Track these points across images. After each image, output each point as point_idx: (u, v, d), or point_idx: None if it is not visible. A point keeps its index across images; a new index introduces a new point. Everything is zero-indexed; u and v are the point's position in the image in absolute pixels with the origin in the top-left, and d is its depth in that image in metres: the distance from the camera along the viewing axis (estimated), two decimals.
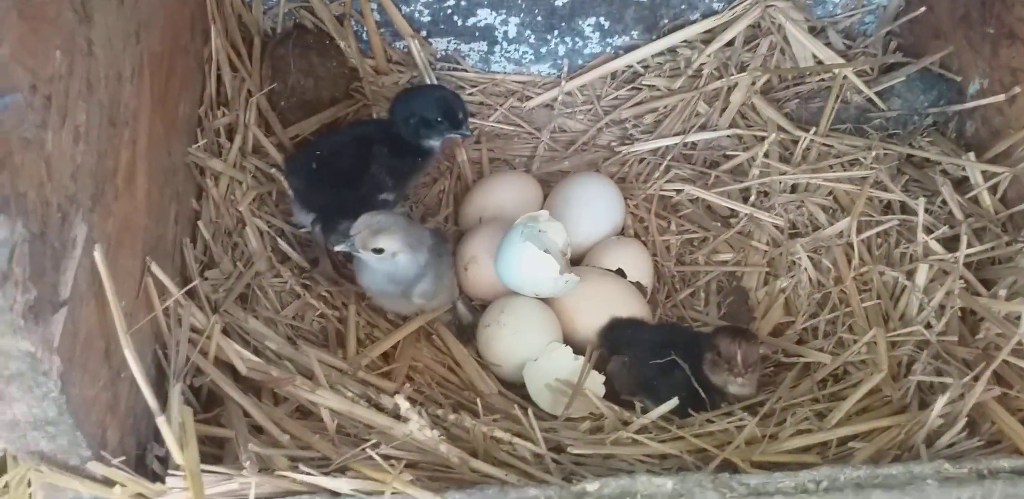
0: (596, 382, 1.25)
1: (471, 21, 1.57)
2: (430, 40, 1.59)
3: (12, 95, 0.61)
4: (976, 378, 1.15)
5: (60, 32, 0.70)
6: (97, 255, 0.78)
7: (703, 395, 1.21)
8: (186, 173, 1.21)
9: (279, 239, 1.30)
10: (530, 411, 1.12)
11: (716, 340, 1.21)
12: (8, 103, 0.60)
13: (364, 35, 1.56)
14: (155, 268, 0.97)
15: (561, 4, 1.56)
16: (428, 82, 1.55)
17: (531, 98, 1.64)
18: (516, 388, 1.29)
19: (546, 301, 1.35)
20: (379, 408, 1.10)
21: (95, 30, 0.79)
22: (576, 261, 1.42)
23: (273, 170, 1.35)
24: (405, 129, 1.36)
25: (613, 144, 1.61)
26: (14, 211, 0.62)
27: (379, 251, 1.20)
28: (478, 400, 1.17)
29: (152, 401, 0.83)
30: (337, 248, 1.22)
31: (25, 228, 0.64)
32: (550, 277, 1.28)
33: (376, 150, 1.33)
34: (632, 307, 1.35)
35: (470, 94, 1.62)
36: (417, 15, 1.55)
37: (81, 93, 0.76)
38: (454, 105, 1.37)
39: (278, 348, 1.14)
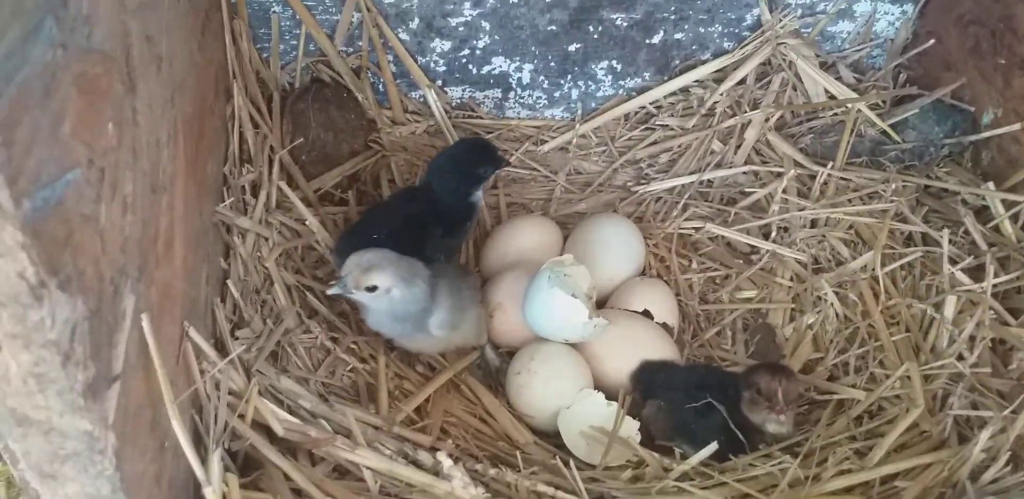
0: (631, 428, 1.24)
1: (486, 69, 1.59)
2: (446, 89, 1.60)
3: (73, 172, 0.60)
4: (1016, 411, 1.15)
5: (112, 104, 0.70)
6: (145, 325, 0.77)
7: (741, 437, 1.20)
8: (215, 233, 1.21)
9: (307, 293, 1.30)
10: (571, 462, 1.11)
11: (755, 377, 1.21)
12: (70, 180, 0.59)
13: (380, 87, 1.57)
14: (193, 333, 0.96)
15: (574, 49, 1.58)
16: (445, 131, 1.56)
17: (546, 142, 1.65)
18: (549, 437, 1.28)
19: (575, 346, 1.34)
20: (417, 464, 1.09)
21: (139, 99, 0.79)
22: (601, 303, 1.42)
23: (306, 222, 1.35)
24: (452, 195, 1.36)
25: (629, 184, 1.62)
26: (75, 289, 0.61)
27: (372, 289, 1.16)
28: (517, 453, 1.15)
29: (200, 472, 0.82)
30: (329, 292, 1.19)
31: (84, 305, 0.63)
32: (579, 322, 1.28)
33: (431, 230, 1.33)
34: (661, 349, 1.34)
35: None
36: (433, 65, 1.56)
37: (128, 163, 0.75)
38: (484, 149, 1.39)
39: (312, 407, 1.13)
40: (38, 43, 0.54)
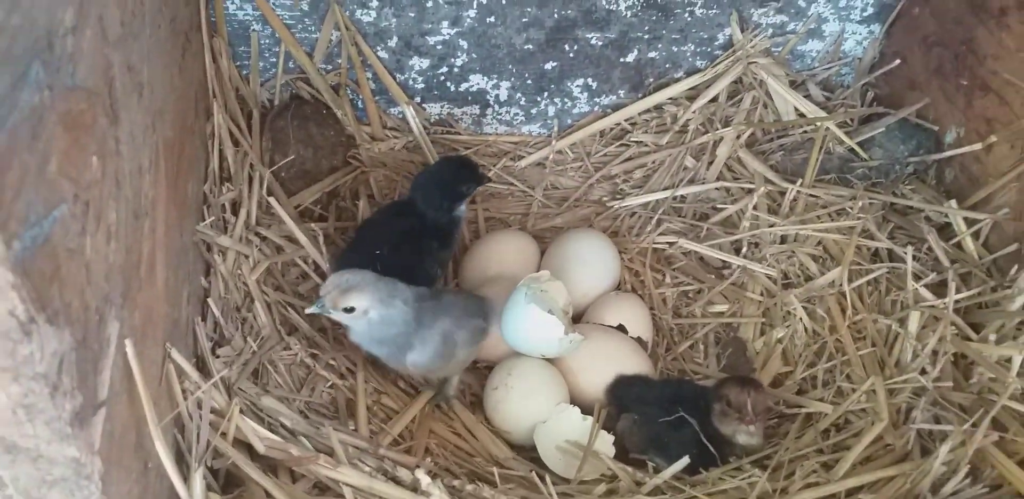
0: (606, 442, 1.26)
1: (464, 86, 1.61)
2: (424, 105, 1.63)
3: (59, 208, 0.62)
4: (975, 425, 1.18)
5: (96, 138, 0.72)
6: (129, 351, 0.79)
7: (712, 450, 1.23)
8: (195, 252, 1.22)
9: (288, 310, 1.31)
10: (548, 478, 1.14)
11: (724, 390, 1.24)
12: (56, 216, 0.61)
13: (359, 103, 1.59)
14: (175, 355, 0.98)
15: (550, 68, 1.61)
16: (424, 147, 1.58)
17: (523, 157, 1.68)
18: (525, 451, 1.31)
19: (551, 361, 1.37)
20: (396, 481, 1.11)
21: (121, 129, 0.81)
22: (576, 318, 1.44)
23: (297, 238, 1.37)
24: (436, 211, 1.40)
25: (605, 199, 1.65)
26: (62, 322, 0.63)
27: (350, 310, 1.17)
28: (494, 469, 1.18)
29: (183, 492, 0.84)
30: (307, 311, 1.20)
31: (71, 336, 0.65)
32: (556, 338, 1.30)
33: (427, 243, 1.38)
34: (636, 363, 1.37)
35: None
36: (411, 82, 1.59)
37: (111, 193, 0.77)
38: (466, 166, 1.44)
39: (293, 424, 1.15)
40: (26, 88, 0.55)
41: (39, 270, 0.58)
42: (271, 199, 1.35)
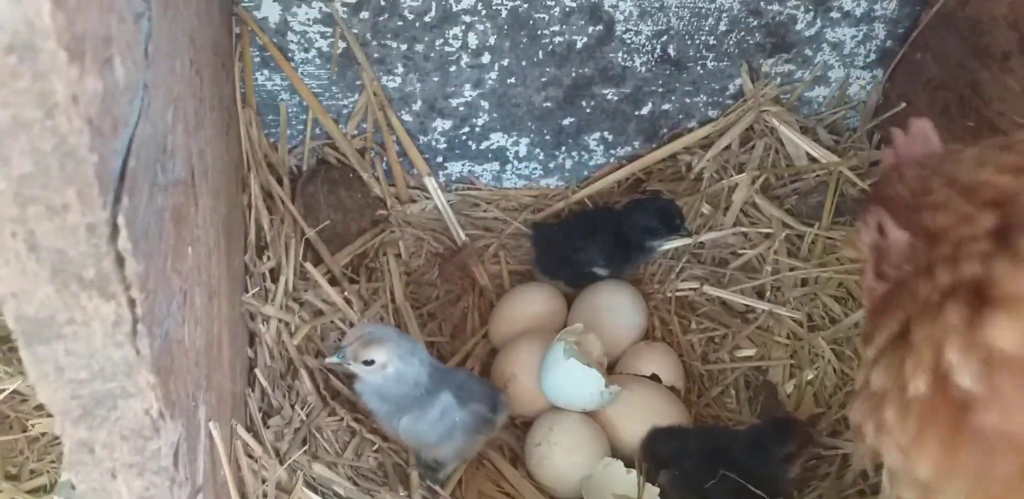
0: (652, 495, 1.27)
1: (484, 145, 1.64)
2: (446, 164, 1.65)
3: (172, 303, 0.63)
4: None
5: (190, 228, 0.73)
6: (215, 435, 0.80)
7: (761, 494, 1.24)
8: (241, 323, 1.23)
9: (330, 376, 1.32)
10: None
11: (799, 435, 1.30)
12: (173, 312, 0.62)
13: (384, 165, 1.61)
14: (243, 433, 0.98)
15: (567, 123, 1.64)
16: (444, 214, 1.62)
17: (543, 210, 1.70)
18: None
19: (590, 414, 1.38)
20: None
21: (200, 214, 0.82)
22: (608, 368, 1.46)
23: (335, 301, 1.39)
24: (632, 232, 1.55)
25: None
26: (177, 414, 0.64)
27: (370, 363, 1.18)
28: None
29: None
30: (327, 361, 1.21)
31: (183, 427, 0.66)
32: (597, 391, 1.32)
33: (600, 236, 1.55)
34: (672, 413, 1.39)
35: (485, 211, 1.68)
36: (434, 143, 1.61)
37: (196, 279, 0.78)
38: (672, 213, 1.55)
39: (346, 493, 1.15)
40: (156, 193, 0.57)
41: (164, 366, 0.59)
42: (308, 265, 1.36)
